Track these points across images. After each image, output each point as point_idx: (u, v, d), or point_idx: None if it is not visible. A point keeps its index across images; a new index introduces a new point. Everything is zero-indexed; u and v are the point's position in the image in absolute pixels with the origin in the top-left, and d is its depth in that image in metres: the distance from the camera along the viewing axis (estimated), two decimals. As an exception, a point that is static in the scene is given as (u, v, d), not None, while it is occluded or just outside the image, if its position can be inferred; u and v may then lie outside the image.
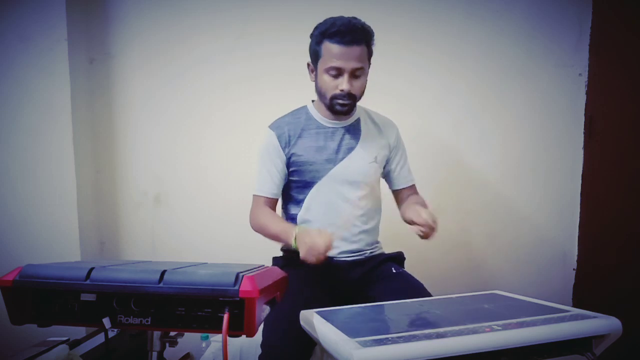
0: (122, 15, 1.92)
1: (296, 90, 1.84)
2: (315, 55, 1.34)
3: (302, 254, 1.17)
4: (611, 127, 1.90)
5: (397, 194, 1.52)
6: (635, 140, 1.82)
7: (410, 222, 1.27)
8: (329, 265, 1.34)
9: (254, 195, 1.43)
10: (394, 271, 1.38)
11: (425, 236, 1.23)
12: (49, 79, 1.79)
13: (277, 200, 1.44)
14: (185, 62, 1.92)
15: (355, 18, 1.31)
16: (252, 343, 1.16)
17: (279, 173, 1.40)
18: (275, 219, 1.37)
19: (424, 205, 1.40)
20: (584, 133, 1.96)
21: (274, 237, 1.35)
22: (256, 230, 1.40)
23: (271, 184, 1.40)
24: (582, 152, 1.97)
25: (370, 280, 1.38)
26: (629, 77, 1.84)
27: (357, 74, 1.31)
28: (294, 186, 1.42)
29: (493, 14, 1.92)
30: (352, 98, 1.32)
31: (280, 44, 1.89)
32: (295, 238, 1.21)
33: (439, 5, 1.91)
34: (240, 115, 1.94)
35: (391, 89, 1.85)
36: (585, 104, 1.95)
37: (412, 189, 1.52)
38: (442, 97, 1.95)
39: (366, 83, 1.36)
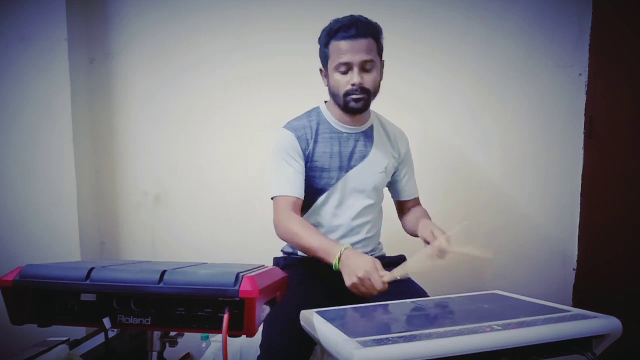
0: (122, 15, 1.92)
1: (296, 90, 1.85)
2: (324, 58, 1.33)
3: (348, 283, 1.10)
4: (611, 127, 1.90)
5: (400, 205, 1.53)
6: (635, 140, 1.82)
7: (424, 241, 1.26)
8: (327, 266, 1.34)
9: (277, 197, 1.32)
10: (398, 278, 1.37)
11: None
12: (49, 79, 1.79)
13: (302, 201, 1.34)
14: (185, 62, 1.92)
15: (359, 15, 1.30)
16: (252, 343, 1.16)
17: (303, 173, 1.34)
18: (311, 230, 1.24)
19: (430, 220, 1.39)
20: (584, 133, 1.96)
21: (308, 250, 1.24)
22: (284, 238, 1.32)
23: (298, 183, 1.32)
24: (582, 152, 1.96)
25: None
26: (629, 77, 1.83)
27: (367, 67, 1.29)
28: (304, 191, 1.37)
29: (493, 14, 1.92)
30: (365, 92, 1.29)
31: (280, 44, 1.89)
32: (340, 259, 1.13)
33: (439, 6, 1.91)
34: (240, 115, 1.94)
35: (391, 89, 1.84)
36: (585, 104, 1.95)
37: (416, 201, 1.52)
38: (442, 97, 1.95)
39: (380, 79, 1.33)
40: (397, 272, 1.10)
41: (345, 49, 1.27)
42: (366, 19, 1.30)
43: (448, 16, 1.91)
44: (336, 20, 1.30)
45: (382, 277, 1.08)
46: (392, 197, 1.54)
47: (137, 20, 1.92)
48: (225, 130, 1.95)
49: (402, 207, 1.52)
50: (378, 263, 1.11)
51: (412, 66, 1.91)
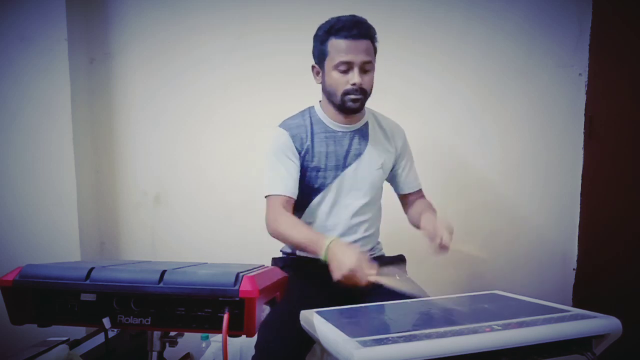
0: (122, 15, 1.92)
1: (296, 90, 1.85)
2: (321, 55, 1.32)
3: (335, 275, 1.10)
4: (611, 127, 1.90)
5: (403, 198, 1.51)
6: (635, 140, 1.82)
7: (426, 234, 1.24)
8: (327, 266, 1.34)
9: (269, 196, 1.33)
10: (397, 278, 1.36)
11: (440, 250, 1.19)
12: (49, 79, 1.79)
13: (294, 200, 1.34)
14: (185, 62, 1.92)
15: (359, 16, 1.31)
16: (252, 343, 1.16)
17: (296, 172, 1.34)
18: (299, 225, 1.27)
19: (434, 212, 1.38)
20: (584, 133, 1.95)
21: (298, 245, 1.29)
22: (274, 236, 1.32)
23: (291, 182, 1.32)
24: (582, 152, 1.96)
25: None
26: (629, 77, 1.84)
27: (367, 68, 1.30)
28: (300, 191, 1.38)
29: (493, 14, 1.92)
30: (363, 93, 1.30)
31: (280, 44, 1.89)
32: (327, 250, 1.13)
33: (439, 6, 1.91)
34: (240, 115, 1.94)
35: (391, 89, 1.85)
36: (585, 104, 1.95)
37: (419, 193, 1.50)
38: (442, 97, 1.95)
39: (373, 80, 1.34)
40: (384, 281, 1.11)
41: (348, 48, 1.27)
42: (365, 20, 1.31)
43: (448, 16, 1.91)
44: (337, 19, 1.29)
45: (367, 276, 1.08)
46: (394, 190, 1.53)
47: (137, 20, 1.92)
48: (225, 130, 1.95)
49: (406, 201, 1.51)
50: (364, 259, 1.11)
51: (412, 66, 1.91)
